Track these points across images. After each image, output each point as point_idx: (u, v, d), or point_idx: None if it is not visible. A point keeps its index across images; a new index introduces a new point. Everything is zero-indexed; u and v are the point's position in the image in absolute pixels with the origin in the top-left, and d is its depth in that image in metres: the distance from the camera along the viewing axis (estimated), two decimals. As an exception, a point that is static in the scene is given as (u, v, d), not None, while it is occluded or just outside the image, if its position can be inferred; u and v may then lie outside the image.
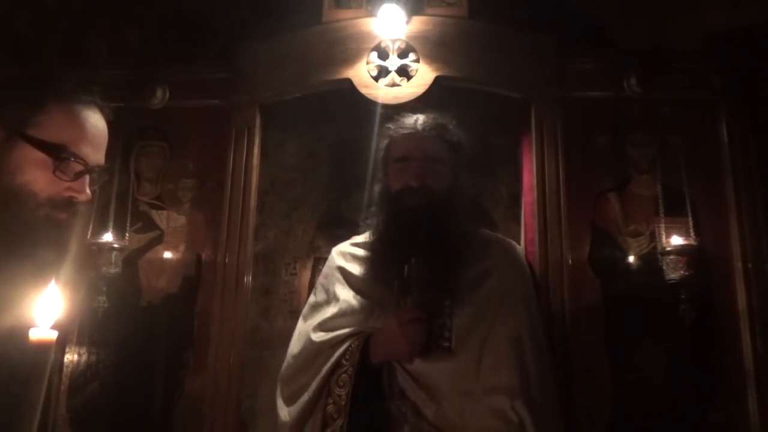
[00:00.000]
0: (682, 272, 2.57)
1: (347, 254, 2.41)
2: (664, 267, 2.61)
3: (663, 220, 2.69)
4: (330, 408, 2.05)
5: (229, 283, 2.81)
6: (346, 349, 2.11)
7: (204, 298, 2.83)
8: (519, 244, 2.93)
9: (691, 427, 2.56)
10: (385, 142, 2.37)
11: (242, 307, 2.80)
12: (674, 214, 2.70)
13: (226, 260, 2.83)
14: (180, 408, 2.75)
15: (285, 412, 2.16)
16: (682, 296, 2.57)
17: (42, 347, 0.87)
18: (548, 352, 2.23)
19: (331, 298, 2.31)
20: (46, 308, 0.93)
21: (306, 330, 2.27)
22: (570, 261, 2.71)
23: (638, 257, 2.73)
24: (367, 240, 2.38)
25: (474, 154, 2.44)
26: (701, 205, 2.73)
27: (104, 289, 2.77)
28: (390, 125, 2.37)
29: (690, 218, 2.68)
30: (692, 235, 2.64)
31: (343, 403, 2.03)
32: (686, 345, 2.60)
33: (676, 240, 2.60)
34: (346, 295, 2.27)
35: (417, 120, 2.32)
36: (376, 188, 2.36)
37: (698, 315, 2.57)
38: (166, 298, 2.87)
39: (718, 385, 2.58)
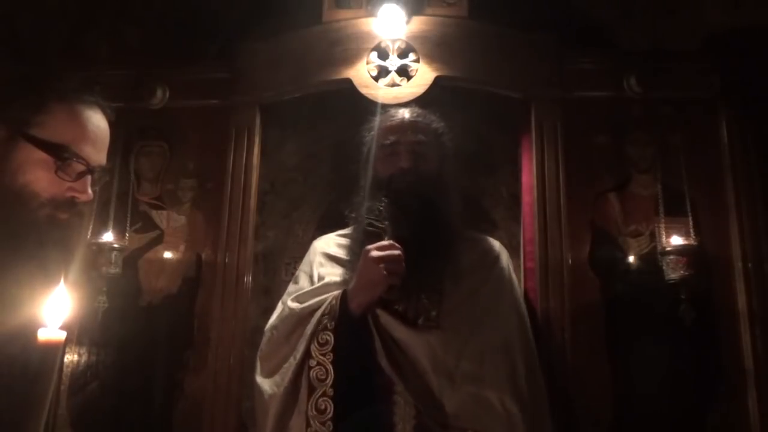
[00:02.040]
0: (682, 272, 2.57)
1: (331, 241, 2.45)
2: (664, 267, 2.61)
3: (663, 220, 2.69)
4: (315, 371, 1.99)
5: (229, 283, 2.81)
6: (326, 307, 2.08)
7: (204, 298, 2.83)
8: (519, 244, 2.94)
9: (691, 427, 2.56)
10: (371, 133, 2.42)
11: (242, 307, 2.80)
12: (674, 214, 2.70)
13: (226, 260, 2.82)
14: (180, 408, 2.75)
15: (269, 384, 2.09)
16: (682, 296, 2.57)
17: (50, 347, 0.87)
18: (534, 348, 2.25)
19: (315, 280, 2.31)
20: (55, 308, 0.93)
21: (285, 305, 2.24)
22: (570, 261, 2.71)
23: (638, 257, 2.73)
24: (352, 230, 2.39)
25: (458, 145, 2.47)
26: (701, 205, 2.73)
27: (104, 289, 2.77)
28: (375, 119, 2.43)
29: (690, 218, 2.68)
30: (692, 235, 2.64)
31: (329, 360, 1.98)
32: (686, 345, 2.60)
33: (676, 240, 2.60)
34: (330, 272, 2.28)
35: (403, 111, 2.42)
36: (362, 181, 2.37)
37: (698, 315, 2.57)
38: (166, 298, 2.86)
39: (718, 385, 2.58)
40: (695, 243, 2.61)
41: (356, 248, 2.21)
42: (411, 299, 2.09)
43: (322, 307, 2.09)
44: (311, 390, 1.98)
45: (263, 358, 2.20)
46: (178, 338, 2.81)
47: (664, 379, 2.58)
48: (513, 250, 3.00)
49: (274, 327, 2.22)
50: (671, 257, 2.59)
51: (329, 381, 1.96)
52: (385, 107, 2.64)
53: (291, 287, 2.38)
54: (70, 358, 2.80)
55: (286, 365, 2.07)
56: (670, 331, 2.60)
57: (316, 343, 2.02)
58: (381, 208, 2.08)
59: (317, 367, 1.99)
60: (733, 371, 2.58)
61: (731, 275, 2.66)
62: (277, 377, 2.08)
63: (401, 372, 2.02)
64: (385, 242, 2.01)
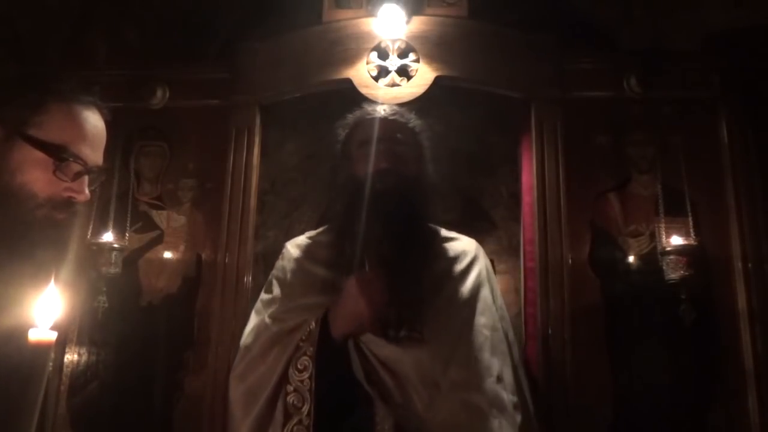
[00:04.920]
0: (682, 272, 2.56)
1: (304, 246, 2.37)
2: (664, 267, 2.60)
3: (663, 220, 2.68)
4: (291, 397, 1.93)
5: (229, 283, 2.81)
6: (304, 330, 2.01)
7: (204, 298, 2.83)
8: (519, 244, 2.94)
9: (691, 427, 2.55)
10: (346, 131, 2.35)
11: (242, 307, 2.79)
12: (674, 214, 2.70)
13: (226, 260, 2.82)
14: (180, 408, 2.75)
15: (242, 412, 2.01)
16: (682, 296, 2.56)
17: (41, 348, 0.87)
18: (519, 348, 2.24)
19: (287, 291, 2.23)
20: (46, 309, 0.93)
21: (261, 320, 2.17)
22: (570, 261, 2.71)
23: (638, 257, 2.72)
24: (326, 231, 2.35)
25: (435, 143, 2.40)
26: (701, 205, 2.73)
27: (104, 289, 2.77)
28: (351, 114, 2.37)
29: (690, 218, 2.68)
30: (692, 235, 2.63)
31: (307, 388, 1.92)
32: (686, 345, 2.59)
33: (676, 240, 2.59)
34: (306, 285, 2.21)
35: (381, 107, 2.36)
36: (337, 179, 2.33)
37: (698, 315, 2.56)
38: (166, 298, 2.86)
39: (718, 384, 2.58)
40: (695, 243, 2.61)
41: (335, 255, 2.18)
42: (393, 313, 2.01)
43: (301, 330, 2.02)
44: (287, 417, 1.92)
45: (237, 378, 2.10)
46: (178, 338, 2.81)
47: (664, 379, 2.58)
48: (513, 250, 3.01)
49: (248, 347, 2.13)
50: (671, 257, 2.59)
51: (306, 409, 1.90)
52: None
53: (264, 296, 2.30)
54: (70, 358, 2.80)
55: (261, 390, 2.00)
56: (670, 331, 2.60)
57: (294, 369, 1.96)
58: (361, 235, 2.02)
59: (294, 394, 1.93)
60: (733, 371, 2.57)
61: (731, 275, 2.66)
62: (251, 402, 2.01)
63: (385, 390, 1.98)
64: (372, 273, 1.97)
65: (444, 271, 2.20)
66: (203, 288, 2.85)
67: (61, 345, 2.78)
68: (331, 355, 1.97)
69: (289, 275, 2.29)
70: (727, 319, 2.62)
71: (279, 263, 2.37)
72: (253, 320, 2.24)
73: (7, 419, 0.86)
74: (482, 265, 2.32)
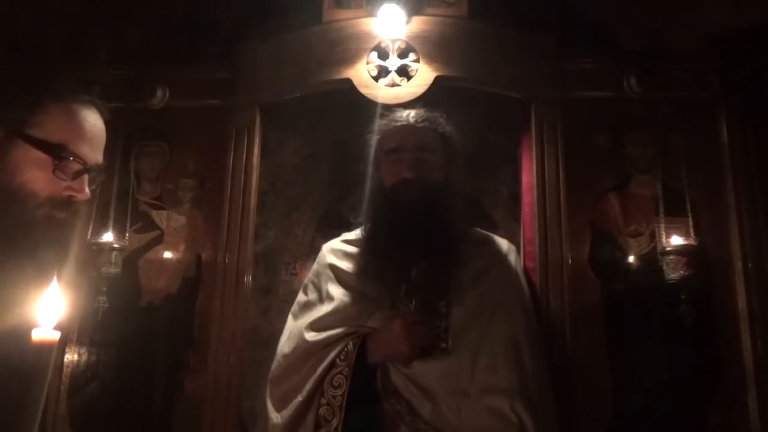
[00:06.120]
0: (682, 272, 2.56)
1: (338, 251, 2.41)
2: (664, 267, 2.60)
3: (663, 220, 2.68)
4: (323, 409, 2.04)
5: (229, 283, 2.81)
6: (342, 350, 2.10)
7: (204, 298, 2.82)
8: (519, 244, 2.94)
9: (691, 427, 2.55)
10: (377, 137, 2.39)
11: (242, 307, 2.80)
12: (674, 214, 2.70)
13: (226, 260, 2.82)
14: (180, 408, 2.75)
15: (276, 415, 2.13)
16: (682, 296, 2.56)
17: (44, 347, 0.87)
18: (543, 352, 2.24)
19: (324, 296, 2.30)
20: (49, 308, 0.93)
21: (298, 329, 2.25)
22: (570, 261, 2.71)
23: (638, 257, 2.72)
24: (359, 237, 2.38)
25: (465, 148, 2.45)
26: (701, 205, 2.73)
27: (104, 289, 2.77)
28: (380, 120, 2.41)
29: (690, 218, 2.68)
30: (692, 235, 2.64)
31: (338, 404, 2.01)
32: (686, 345, 2.59)
33: (676, 240, 2.60)
34: (339, 294, 2.26)
35: (408, 113, 2.38)
36: (369, 184, 2.37)
37: (698, 315, 2.56)
38: (166, 298, 2.86)
39: (718, 385, 2.58)
40: (695, 243, 2.61)
41: (366, 264, 2.24)
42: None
43: (338, 348, 2.11)
44: (317, 426, 2.04)
45: (273, 382, 2.23)
46: (178, 338, 2.81)
47: (664, 379, 2.58)
48: (513, 250, 2.99)
49: (287, 355, 2.23)
50: (671, 257, 2.59)
51: (335, 423, 2.00)
52: (386, 107, 2.64)
53: (300, 298, 2.39)
54: (70, 358, 2.80)
55: (293, 401, 2.11)
56: (670, 331, 2.60)
57: (329, 384, 2.06)
58: (414, 277, 2.08)
59: (326, 407, 2.04)
60: (733, 372, 2.57)
61: (731, 275, 2.66)
62: (284, 411, 2.12)
63: (416, 403, 2.03)
64: (418, 316, 2.05)
65: (473, 274, 2.22)
66: (203, 288, 2.84)
67: (62, 345, 2.78)
68: (362, 378, 2.07)
69: (323, 281, 2.35)
70: (727, 319, 2.62)
71: (315, 267, 2.45)
72: (289, 324, 2.33)
73: (9, 418, 0.86)
74: (514, 264, 2.36)
